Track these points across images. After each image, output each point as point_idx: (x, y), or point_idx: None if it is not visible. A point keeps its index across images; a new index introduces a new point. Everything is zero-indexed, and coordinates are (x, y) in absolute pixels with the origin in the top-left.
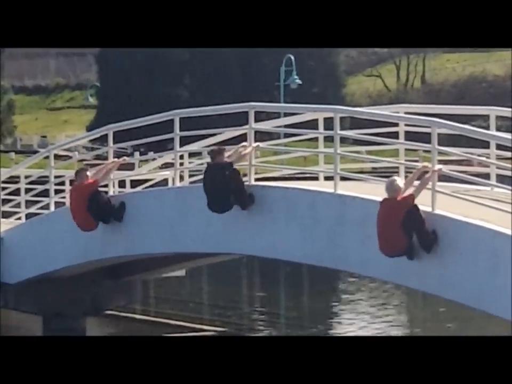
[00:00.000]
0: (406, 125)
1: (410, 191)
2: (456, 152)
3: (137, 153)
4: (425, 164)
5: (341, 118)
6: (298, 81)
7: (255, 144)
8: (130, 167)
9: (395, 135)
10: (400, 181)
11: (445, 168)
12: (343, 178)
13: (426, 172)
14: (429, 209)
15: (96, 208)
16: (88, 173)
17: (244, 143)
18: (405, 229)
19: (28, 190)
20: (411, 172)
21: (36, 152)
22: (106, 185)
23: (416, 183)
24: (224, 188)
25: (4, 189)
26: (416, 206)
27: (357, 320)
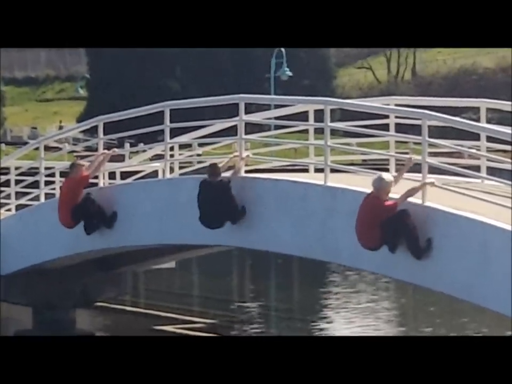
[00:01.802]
0: (397, 117)
1: (395, 198)
2: (447, 144)
3: (127, 145)
4: (413, 156)
5: (332, 110)
6: (289, 73)
7: (245, 154)
8: (120, 158)
9: (385, 127)
10: (388, 177)
11: (435, 160)
12: (334, 170)
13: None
14: (419, 201)
15: (85, 216)
16: (83, 167)
17: (236, 153)
18: (383, 230)
19: (18, 182)
20: (402, 164)
21: (26, 143)
22: (96, 177)
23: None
24: (217, 207)
25: None
26: (404, 211)
27: (347, 313)
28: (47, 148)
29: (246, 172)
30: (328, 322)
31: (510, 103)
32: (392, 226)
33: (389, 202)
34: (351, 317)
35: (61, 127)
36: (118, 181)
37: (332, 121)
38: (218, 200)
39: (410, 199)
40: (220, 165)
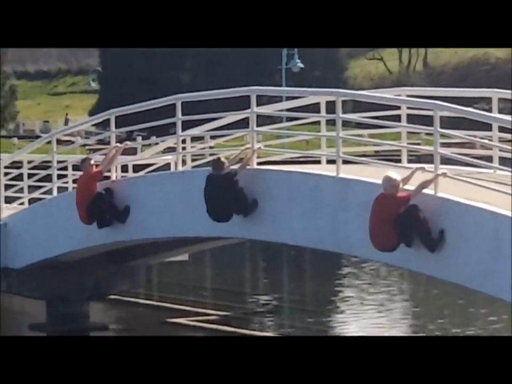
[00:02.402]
0: (408, 108)
1: (408, 190)
2: (459, 134)
3: (139, 138)
4: (423, 166)
5: (343, 101)
6: (300, 64)
7: (257, 147)
8: (132, 151)
9: (397, 118)
10: (396, 175)
11: (447, 151)
12: (346, 162)
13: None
14: (431, 192)
15: (98, 213)
16: (92, 162)
17: (247, 145)
18: (396, 228)
19: (30, 175)
20: (414, 155)
21: (38, 137)
22: (109, 171)
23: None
24: (223, 200)
25: (6, 174)
26: (413, 206)
27: (360, 305)
28: (59, 142)
29: (258, 163)
30: (340, 314)
31: None
32: (404, 222)
33: (400, 194)
34: (364, 309)
35: (67, 120)
36: (130, 174)
37: (343, 112)
38: (223, 193)
39: (423, 191)
40: (231, 157)
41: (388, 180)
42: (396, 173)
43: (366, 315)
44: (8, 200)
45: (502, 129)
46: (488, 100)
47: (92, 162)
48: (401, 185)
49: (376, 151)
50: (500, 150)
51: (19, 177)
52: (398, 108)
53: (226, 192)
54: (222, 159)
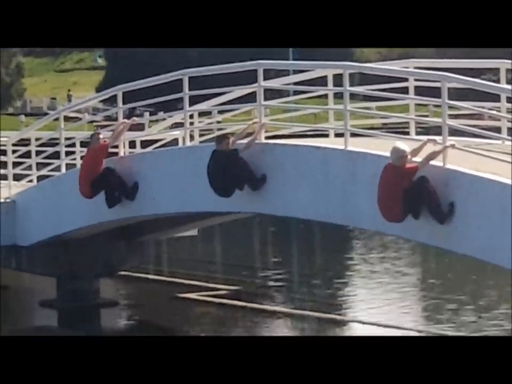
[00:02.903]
0: (416, 79)
1: (416, 161)
2: (467, 106)
3: (147, 114)
4: (434, 138)
5: (351, 74)
6: None
7: (262, 122)
8: (140, 127)
9: (405, 90)
10: (404, 146)
11: (455, 122)
12: (354, 135)
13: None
14: (440, 164)
15: (107, 189)
16: (101, 136)
17: (255, 119)
18: (405, 200)
19: (38, 152)
20: (422, 127)
21: (45, 114)
22: (116, 147)
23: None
24: (224, 176)
25: (14, 151)
26: (423, 177)
27: (370, 278)
28: (66, 118)
29: (266, 138)
30: (350, 288)
31: None
32: (413, 194)
33: (409, 166)
34: (373, 283)
35: (69, 96)
36: (138, 150)
37: (351, 85)
38: (226, 170)
39: (431, 162)
40: (239, 132)
41: (395, 151)
42: (404, 144)
43: (376, 289)
44: (17, 177)
45: (510, 100)
46: (496, 71)
47: (101, 137)
48: (409, 156)
49: (384, 124)
50: (508, 121)
51: (27, 155)
52: (406, 80)
53: (229, 169)
54: (227, 135)
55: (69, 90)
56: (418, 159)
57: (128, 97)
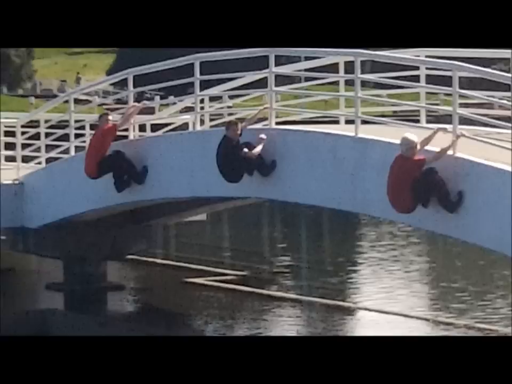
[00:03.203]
0: (427, 68)
1: (426, 152)
2: (477, 95)
3: (157, 97)
4: (445, 127)
5: (362, 62)
6: None
7: (267, 105)
8: (150, 111)
9: (416, 79)
10: (413, 137)
11: (466, 111)
12: (364, 122)
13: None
14: (450, 152)
15: (115, 172)
16: (110, 117)
17: (266, 105)
18: (414, 192)
19: (47, 135)
20: (432, 116)
21: (55, 96)
22: (126, 130)
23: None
24: (233, 162)
25: (23, 133)
26: (431, 169)
27: (377, 265)
28: (76, 101)
29: (277, 123)
30: (358, 274)
31: None
32: (422, 185)
33: (417, 157)
34: (381, 270)
35: (78, 79)
36: (148, 133)
37: (362, 72)
38: (232, 158)
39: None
40: (249, 117)
41: (405, 141)
42: (413, 134)
43: (384, 276)
44: (25, 159)
45: None
46: (506, 61)
47: (110, 118)
48: (419, 146)
49: (394, 111)
50: None
51: (36, 137)
52: (417, 68)
53: (238, 155)
54: (236, 122)
55: (78, 73)
56: (429, 148)
57: (139, 80)
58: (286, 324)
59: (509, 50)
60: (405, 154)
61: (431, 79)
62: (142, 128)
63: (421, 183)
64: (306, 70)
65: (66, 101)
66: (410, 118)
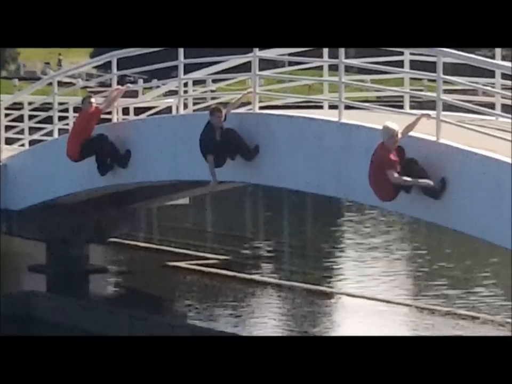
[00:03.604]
0: (411, 53)
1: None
2: (461, 81)
3: (140, 81)
4: (427, 112)
5: None
6: None
7: (251, 89)
8: (134, 94)
9: (400, 64)
10: (394, 125)
11: (450, 97)
12: (348, 107)
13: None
14: (433, 138)
15: (98, 155)
16: (93, 100)
17: (249, 89)
18: (394, 184)
19: (31, 117)
20: (416, 102)
21: (39, 78)
22: (110, 113)
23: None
24: (216, 148)
25: (7, 115)
26: (411, 160)
27: (359, 251)
28: (60, 83)
29: (260, 108)
30: (341, 260)
31: None
32: (402, 175)
33: (392, 159)
34: (363, 256)
35: (59, 61)
36: (131, 116)
37: (346, 57)
38: (215, 141)
39: (424, 137)
40: (233, 101)
41: (385, 130)
42: (393, 123)
43: (367, 262)
44: (9, 141)
45: (504, 76)
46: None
47: (93, 100)
48: (400, 135)
49: (378, 97)
50: (502, 97)
51: (19, 119)
52: (401, 53)
53: (221, 141)
54: (219, 108)
55: (60, 55)
56: (415, 134)
57: (123, 63)
58: (267, 309)
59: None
60: (386, 143)
61: (415, 65)
62: (125, 111)
63: (402, 173)
64: (290, 54)
65: (50, 83)
66: (394, 103)
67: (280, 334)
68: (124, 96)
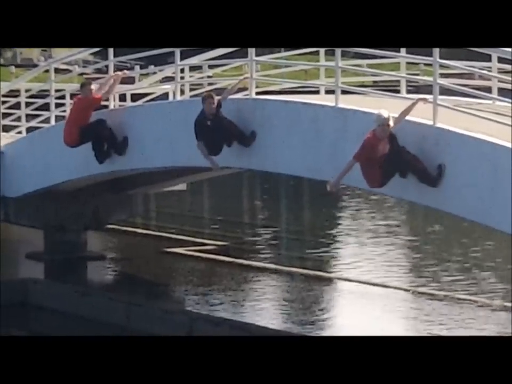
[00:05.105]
0: None
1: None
2: (458, 65)
3: (137, 67)
4: (424, 96)
5: None
6: None
7: (247, 75)
8: (130, 80)
9: (396, 48)
10: (386, 113)
11: (446, 81)
12: (344, 92)
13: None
14: (430, 122)
15: (96, 142)
16: (92, 87)
17: (246, 75)
18: (383, 168)
19: (28, 104)
20: (412, 86)
21: (36, 65)
22: (107, 99)
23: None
24: (211, 135)
25: (4, 102)
26: (402, 148)
27: (358, 236)
28: (57, 70)
29: (257, 93)
30: (339, 245)
31: None
32: (392, 166)
33: (380, 149)
34: (362, 241)
35: (44, 51)
36: (128, 103)
37: None
38: (210, 129)
39: (421, 121)
40: (230, 87)
41: (377, 118)
42: (386, 111)
43: (365, 247)
44: (6, 128)
45: (501, 60)
46: None
47: (93, 87)
48: (391, 123)
49: (374, 82)
50: (499, 81)
51: (17, 106)
52: None
53: (215, 129)
54: (211, 95)
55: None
56: (411, 118)
57: (119, 50)
58: (265, 295)
59: None
60: (376, 131)
61: (411, 49)
62: (122, 98)
63: (391, 164)
64: None
65: (47, 70)
66: (391, 88)
67: (278, 320)
68: (120, 83)
